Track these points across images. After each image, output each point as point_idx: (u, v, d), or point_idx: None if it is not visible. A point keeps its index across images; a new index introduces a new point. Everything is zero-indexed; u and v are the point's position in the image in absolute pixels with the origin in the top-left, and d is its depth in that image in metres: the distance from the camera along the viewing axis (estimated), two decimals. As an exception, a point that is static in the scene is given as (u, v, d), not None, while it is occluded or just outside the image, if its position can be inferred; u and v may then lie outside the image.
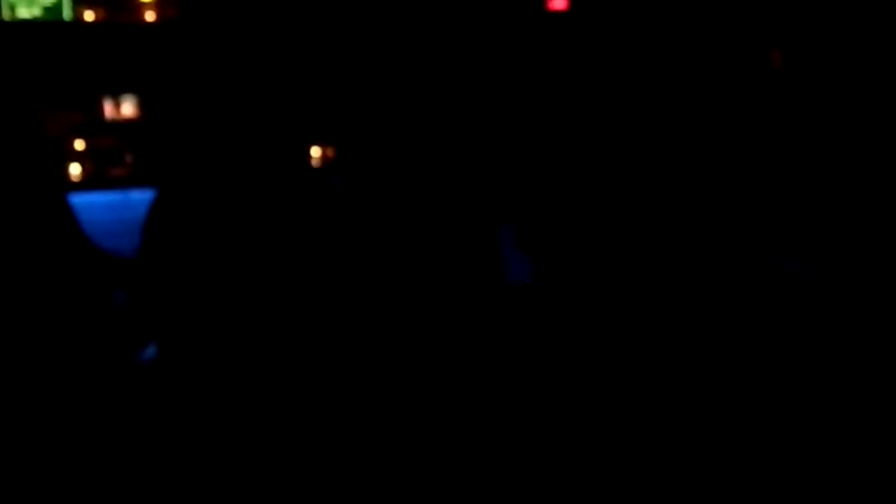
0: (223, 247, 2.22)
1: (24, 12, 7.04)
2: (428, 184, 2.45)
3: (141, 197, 6.95)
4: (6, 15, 6.95)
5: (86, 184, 7.12)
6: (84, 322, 2.22)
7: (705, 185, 2.86)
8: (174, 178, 2.30)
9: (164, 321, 2.23)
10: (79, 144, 7.24)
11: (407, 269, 2.42)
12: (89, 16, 7.24)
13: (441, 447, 2.43)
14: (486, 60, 2.63)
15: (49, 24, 7.10)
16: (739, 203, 2.87)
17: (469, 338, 2.44)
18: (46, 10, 7.12)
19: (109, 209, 6.51)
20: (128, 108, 7.39)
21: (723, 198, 2.86)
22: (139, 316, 2.26)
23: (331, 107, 2.52)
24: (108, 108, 7.35)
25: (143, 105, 7.36)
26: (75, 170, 7.21)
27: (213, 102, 2.29)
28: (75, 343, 2.19)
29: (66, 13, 7.15)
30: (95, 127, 7.30)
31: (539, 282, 2.53)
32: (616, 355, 2.55)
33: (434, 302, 2.42)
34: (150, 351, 2.31)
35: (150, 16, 7.32)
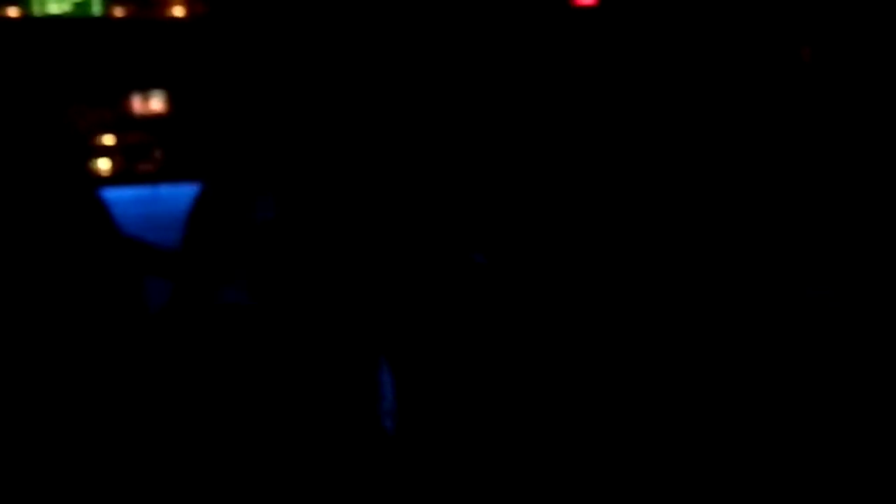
0: (269, 239, 2.23)
1: (54, 7, 7.09)
2: (449, 174, 2.46)
3: (169, 192, 6.99)
4: (37, 10, 7.01)
5: (115, 179, 7.17)
6: (117, 313, 2.23)
7: (735, 185, 2.85)
8: (217, 171, 2.31)
9: (212, 311, 2.24)
10: (108, 140, 7.29)
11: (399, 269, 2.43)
12: (119, 11, 7.29)
13: (442, 449, 2.43)
14: (512, 56, 2.63)
15: (79, 19, 7.14)
16: (766, 203, 2.86)
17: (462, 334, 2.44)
18: (76, 5, 7.16)
19: (138, 204, 6.55)
20: (156, 104, 7.43)
21: (751, 200, 2.85)
22: (184, 308, 2.28)
23: (352, 100, 2.53)
24: (137, 104, 7.39)
25: (171, 100, 7.40)
26: (104, 165, 7.25)
27: (241, 97, 2.30)
28: (108, 333, 2.21)
29: (96, 9, 7.20)
30: (124, 122, 7.35)
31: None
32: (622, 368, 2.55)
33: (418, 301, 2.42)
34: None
35: (178, 11, 7.36)
